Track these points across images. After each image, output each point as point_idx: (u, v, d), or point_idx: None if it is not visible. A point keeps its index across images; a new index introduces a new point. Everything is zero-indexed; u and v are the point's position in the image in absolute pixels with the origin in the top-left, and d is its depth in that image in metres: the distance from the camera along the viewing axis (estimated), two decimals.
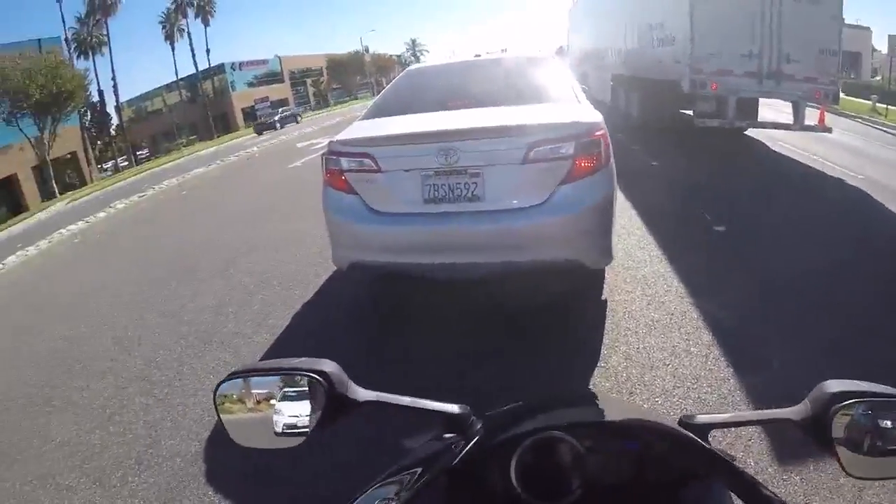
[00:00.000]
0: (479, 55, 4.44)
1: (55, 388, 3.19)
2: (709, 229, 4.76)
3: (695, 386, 2.53)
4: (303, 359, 0.73)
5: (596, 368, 2.68)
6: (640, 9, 9.92)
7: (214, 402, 0.73)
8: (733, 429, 2.05)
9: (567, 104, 3.13)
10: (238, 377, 0.74)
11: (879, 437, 0.66)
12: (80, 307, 4.62)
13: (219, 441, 2.36)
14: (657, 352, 2.80)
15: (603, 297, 3.37)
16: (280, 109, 34.06)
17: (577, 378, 2.62)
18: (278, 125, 29.05)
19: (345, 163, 2.89)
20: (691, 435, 0.70)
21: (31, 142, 21.76)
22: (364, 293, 3.67)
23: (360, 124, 3.29)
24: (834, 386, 0.67)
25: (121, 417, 2.76)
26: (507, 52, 5.36)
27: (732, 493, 0.67)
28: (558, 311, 3.18)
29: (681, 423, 0.75)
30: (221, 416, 0.74)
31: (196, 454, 2.36)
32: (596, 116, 2.84)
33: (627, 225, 4.78)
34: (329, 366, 0.71)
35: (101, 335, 3.88)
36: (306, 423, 0.70)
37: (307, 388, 0.70)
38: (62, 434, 2.69)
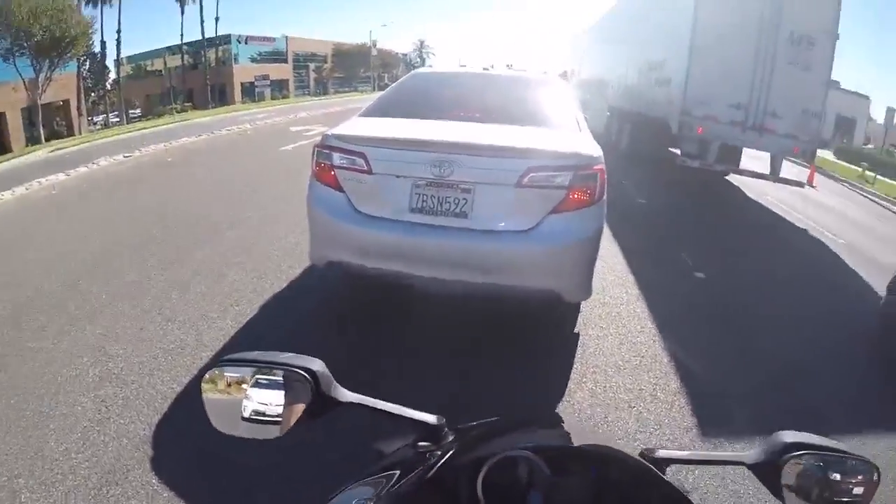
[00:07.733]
0: (488, 68, 4.32)
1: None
2: (688, 274, 4.77)
3: (657, 432, 2.53)
4: (292, 354, 0.77)
5: (560, 403, 2.66)
6: (644, 48, 10.25)
7: (200, 387, 0.77)
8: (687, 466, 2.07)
9: (569, 132, 3.09)
10: (228, 365, 0.77)
11: (827, 488, 0.71)
12: (52, 264, 4.38)
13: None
14: (623, 393, 2.79)
15: (576, 331, 3.35)
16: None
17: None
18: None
19: (336, 158, 2.82)
20: (652, 468, 0.74)
21: (24, 83, 21.08)
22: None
23: (357, 121, 3.22)
24: (788, 436, 0.73)
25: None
26: (512, 67, 5.34)
27: None
28: (529, 338, 3.15)
29: (641, 454, 0.79)
30: (205, 400, 0.77)
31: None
32: (596, 150, 2.81)
33: (610, 261, 4.74)
34: (317, 364, 0.75)
35: (65, 301, 3.71)
36: (279, 412, 0.74)
37: (290, 382, 0.74)
38: None
